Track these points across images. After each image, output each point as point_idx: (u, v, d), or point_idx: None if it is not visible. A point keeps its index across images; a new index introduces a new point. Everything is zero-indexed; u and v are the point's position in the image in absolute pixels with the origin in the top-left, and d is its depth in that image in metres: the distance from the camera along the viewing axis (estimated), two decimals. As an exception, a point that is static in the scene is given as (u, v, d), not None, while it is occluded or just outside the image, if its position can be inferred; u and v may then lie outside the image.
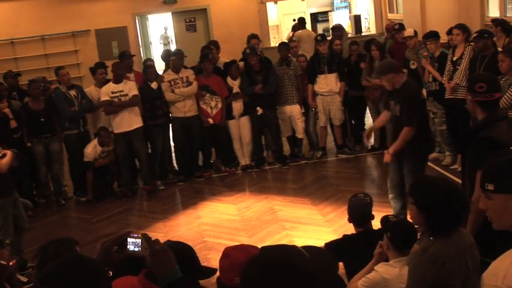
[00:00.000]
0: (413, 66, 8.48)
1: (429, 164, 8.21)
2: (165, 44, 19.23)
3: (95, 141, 8.39)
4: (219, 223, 7.25)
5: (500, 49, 7.08)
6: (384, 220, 3.90)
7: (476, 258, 2.90)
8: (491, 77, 4.07)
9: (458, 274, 2.81)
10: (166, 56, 9.68)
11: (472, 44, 7.30)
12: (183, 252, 2.47)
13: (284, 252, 1.83)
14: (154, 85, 8.51)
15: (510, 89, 5.95)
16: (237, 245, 2.35)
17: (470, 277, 2.85)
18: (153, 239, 2.30)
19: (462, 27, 7.60)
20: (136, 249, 2.28)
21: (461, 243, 2.88)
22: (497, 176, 2.05)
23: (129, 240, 2.29)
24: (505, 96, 5.94)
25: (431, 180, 3.04)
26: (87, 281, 1.90)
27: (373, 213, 4.35)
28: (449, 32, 8.07)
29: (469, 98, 3.90)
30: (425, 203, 2.90)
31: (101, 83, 8.64)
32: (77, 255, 2.07)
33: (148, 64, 9.25)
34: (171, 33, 18.92)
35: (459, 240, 2.89)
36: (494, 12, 10.31)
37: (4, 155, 6.14)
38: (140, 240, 2.27)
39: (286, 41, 10.57)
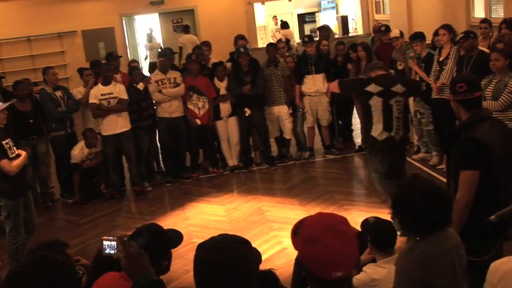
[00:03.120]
0: (400, 67, 8.54)
1: (416, 164, 8.33)
2: (151, 49, 17.67)
3: (82, 143, 8.36)
4: (207, 224, 7.25)
5: (484, 49, 7.16)
6: (363, 224, 3.93)
7: (463, 258, 2.93)
8: (471, 78, 4.17)
9: (446, 273, 2.84)
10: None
11: (458, 44, 7.36)
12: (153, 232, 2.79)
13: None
14: (140, 86, 8.51)
15: (506, 90, 5.99)
16: (330, 219, 2.04)
17: (457, 276, 2.88)
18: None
19: (448, 28, 7.65)
20: (112, 251, 2.30)
21: (448, 243, 2.90)
22: None
23: (105, 243, 2.31)
24: (502, 97, 5.99)
25: (407, 186, 3.01)
26: (55, 280, 1.90)
27: (360, 213, 4.38)
28: (435, 34, 8.14)
29: (451, 98, 3.98)
30: (401, 211, 2.93)
31: (87, 83, 8.64)
32: (45, 255, 2.08)
33: (134, 65, 9.25)
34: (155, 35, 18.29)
35: (446, 239, 2.91)
36: (479, 13, 10.40)
37: (18, 155, 6.00)
38: (115, 242, 2.29)
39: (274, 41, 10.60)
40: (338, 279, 1.94)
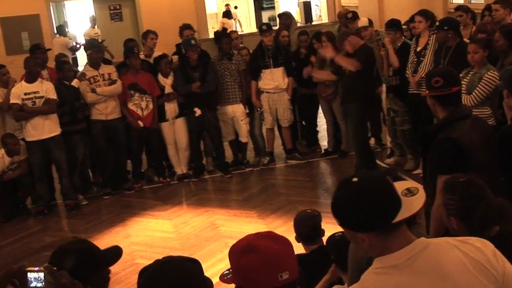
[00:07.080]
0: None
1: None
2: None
3: (2, 151, 8.20)
4: (152, 242, 7.22)
5: (466, 39, 7.27)
6: (329, 239, 3.99)
7: None
8: (448, 71, 4.24)
9: None
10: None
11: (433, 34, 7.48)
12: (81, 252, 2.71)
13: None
14: (76, 83, 8.40)
15: (481, 84, 6.05)
16: (255, 234, 2.22)
17: None
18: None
19: (425, 14, 7.71)
20: (39, 285, 2.24)
21: None
22: (337, 212, 2.14)
23: (30, 275, 2.26)
24: (476, 91, 6.06)
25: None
26: None
27: (327, 226, 4.41)
28: (411, 20, 8.22)
29: (427, 94, 4.06)
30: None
31: (5, 83, 8.48)
32: None
33: (63, 60, 9.11)
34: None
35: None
36: (458, -2, 10.64)
37: None
38: (43, 273, 2.24)
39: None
40: (286, 283, 2.01)
